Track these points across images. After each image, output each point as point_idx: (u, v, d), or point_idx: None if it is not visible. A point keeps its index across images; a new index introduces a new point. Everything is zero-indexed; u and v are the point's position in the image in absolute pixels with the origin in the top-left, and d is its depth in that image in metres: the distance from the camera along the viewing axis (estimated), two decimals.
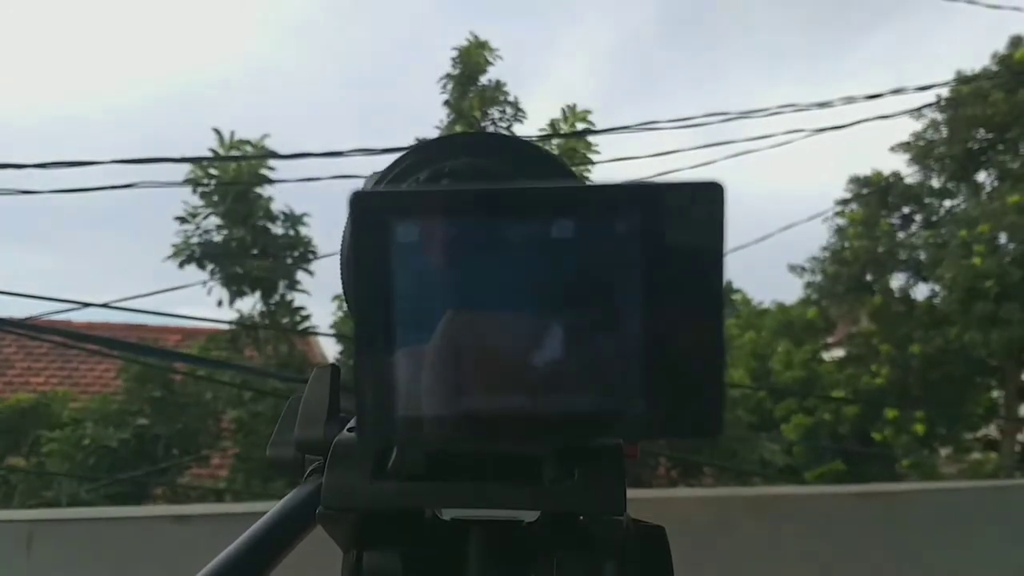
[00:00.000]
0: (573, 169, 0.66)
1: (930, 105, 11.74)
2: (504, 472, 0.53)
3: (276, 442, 0.66)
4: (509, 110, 8.36)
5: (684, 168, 7.10)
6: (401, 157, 0.61)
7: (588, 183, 0.50)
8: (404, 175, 0.60)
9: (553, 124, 7.86)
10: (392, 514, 0.56)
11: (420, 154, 0.61)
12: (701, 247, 0.43)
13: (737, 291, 16.32)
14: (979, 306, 11.37)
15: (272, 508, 0.64)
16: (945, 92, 12.02)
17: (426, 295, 0.44)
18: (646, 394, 0.44)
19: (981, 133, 12.82)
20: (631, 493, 0.53)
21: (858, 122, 7.62)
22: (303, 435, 0.63)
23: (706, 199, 0.43)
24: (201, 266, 7.67)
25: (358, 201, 0.44)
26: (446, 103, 8.37)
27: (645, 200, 0.44)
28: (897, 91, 7.43)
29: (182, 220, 7.65)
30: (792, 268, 14.20)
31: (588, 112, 7.72)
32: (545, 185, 0.45)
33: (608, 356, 0.44)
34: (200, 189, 7.59)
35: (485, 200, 0.44)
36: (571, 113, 7.72)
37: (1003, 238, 11.93)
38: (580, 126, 7.73)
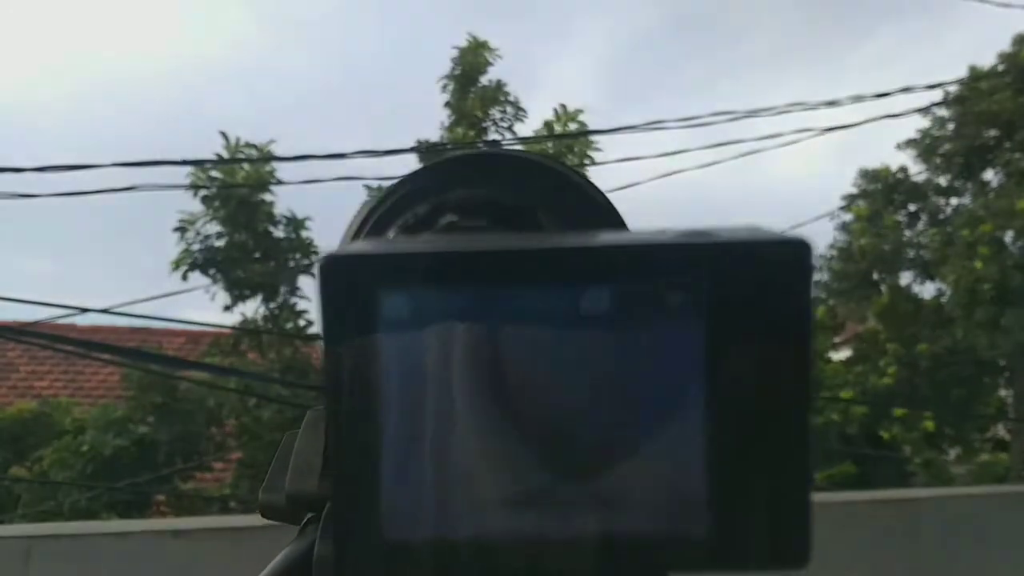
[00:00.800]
0: (604, 193, 0.55)
1: (938, 104, 11.64)
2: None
3: (268, 487, 0.58)
4: (510, 110, 8.28)
5: (690, 168, 7.04)
6: (398, 183, 0.53)
7: (631, 238, 0.38)
8: (399, 208, 0.51)
9: (547, 124, 7.79)
10: None
11: (419, 181, 0.52)
12: (782, 324, 0.34)
13: None
14: (980, 310, 11.27)
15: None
16: (946, 91, 11.93)
17: (425, 390, 0.34)
18: (712, 514, 0.35)
19: (989, 131, 12.72)
20: None
21: (867, 121, 7.57)
22: (294, 489, 0.55)
23: (789, 261, 0.34)
24: (204, 272, 7.61)
25: (331, 267, 0.34)
26: (447, 104, 8.29)
27: (710, 262, 0.34)
28: (906, 89, 7.38)
29: (181, 230, 7.59)
30: None
31: (580, 111, 7.63)
32: (577, 242, 0.36)
33: (663, 467, 0.35)
34: (201, 193, 7.53)
35: (498, 261, 0.34)
36: (563, 113, 7.64)
37: (1008, 238, 11.84)
38: (572, 126, 7.65)
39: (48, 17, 18.32)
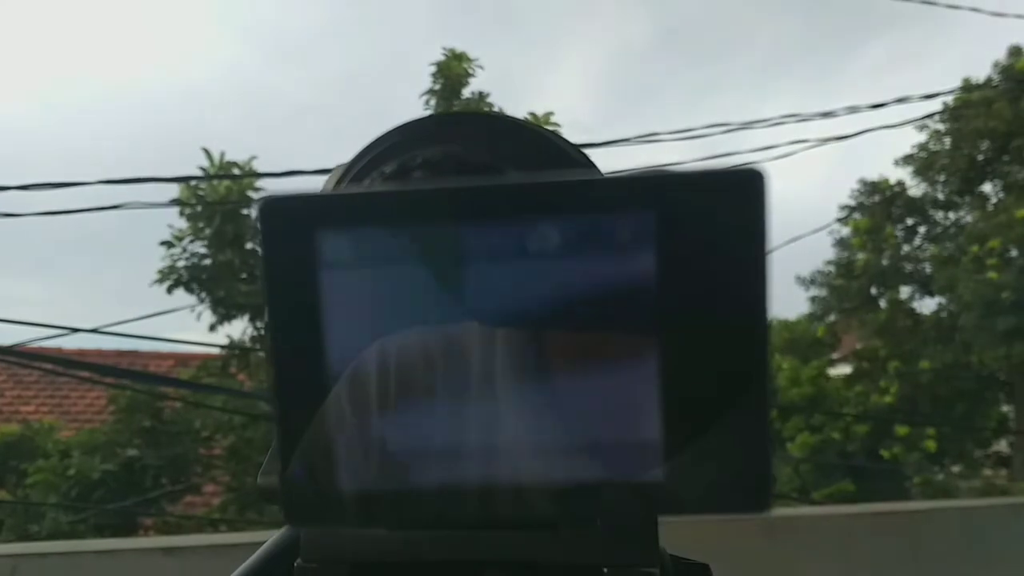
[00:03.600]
0: (584, 154, 0.55)
1: (934, 115, 11.62)
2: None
3: (267, 471, 0.55)
4: None
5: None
6: (370, 144, 0.53)
7: (577, 175, 0.36)
8: (370, 167, 0.52)
9: None
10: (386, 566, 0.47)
11: (389, 140, 0.52)
12: (736, 260, 0.33)
13: None
14: (1000, 320, 11.15)
15: (248, 560, 0.58)
16: (950, 101, 11.92)
17: (368, 333, 0.34)
18: (668, 460, 0.34)
19: (985, 144, 12.71)
20: None
21: (862, 132, 7.49)
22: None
23: (743, 193, 0.33)
24: (189, 290, 7.51)
25: (268, 209, 0.34)
26: None
27: (660, 197, 0.33)
28: (901, 100, 7.30)
29: (168, 245, 7.50)
30: (799, 280, 14.13)
31: (551, 113, 7.58)
32: (517, 179, 0.36)
33: (617, 409, 0.34)
34: (187, 211, 7.45)
35: (437, 201, 0.34)
36: (535, 120, 7.58)
37: (1013, 252, 11.80)
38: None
39: (37, 36, 18.36)
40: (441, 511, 0.35)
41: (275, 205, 0.34)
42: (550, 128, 0.58)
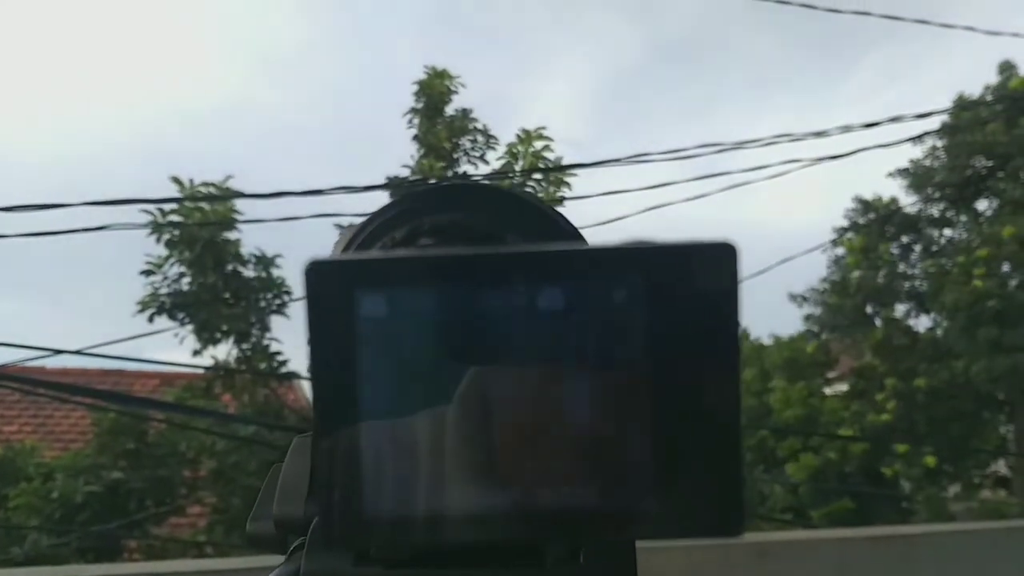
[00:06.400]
0: (572, 223, 0.60)
1: (930, 133, 11.58)
2: (502, 556, 0.48)
3: (256, 516, 0.60)
4: (480, 138, 8.11)
5: (677, 201, 6.89)
6: (378, 211, 0.57)
7: (579, 246, 0.44)
8: (379, 233, 0.56)
9: (510, 148, 7.64)
10: None
11: (397, 208, 0.56)
12: (713, 318, 0.39)
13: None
14: (983, 331, 11.09)
15: None
16: (944, 119, 11.90)
17: (398, 378, 0.39)
18: (655, 488, 0.39)
19: (980, 161, 12.68)
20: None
21: (856, 151, 7.43)
22: (281, 512, 0.57)
23: (717, 262, 0.39)
24: (172, 316, 7.38)
25: (315, 271, 0.39)
26: (415, 138, 8.14)
27: (646, 264, 0.39)
28: (895, 119, 7.26)
29: (147, 273, 7.38)
30: (792, 297, 14.08)
31: (543, 128, 7.47)
32: (529, 249, 0.41)
33: (611, 445, 0.39)
34: (165, 237, 7.32)
35: (460, 266, 0.40)
36: (526, 136, 7.48)
37: (1006, 267, 11.76)
38: (538, 144, 7.48)
39: (14, 55, 18.26)
40: (461, 531, 0.39)
41: (320, 268, 0.39)
42: (530, 192, 0.61)
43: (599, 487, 0.39)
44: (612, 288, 0.38)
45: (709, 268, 0.38)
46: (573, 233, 0.58)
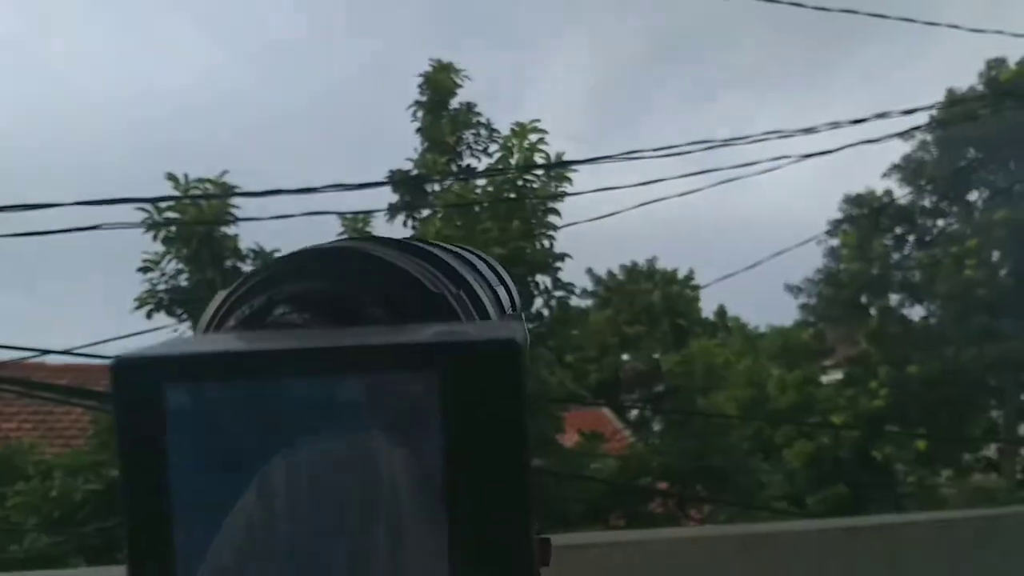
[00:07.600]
0: (451, 276, 0.60)
1: (920, 127, 11.65)
2: None
3: None
4: (484, 132, 8.13)
5: (670, 196, 6.95)
6: (249, 274, 0.57)
7: (381, 339, 0.44)
8: (245, 298, 0.55)
9: (506, 141, 7.66)
10: None
11: (265, 272, 0.56)
12: (500, 412, 0.39)
13: (733, 318, 16.24)
14: (974, 319, 11.19)
15: None
16: (931, 114, 11.96)
17: (207, 470, 0.39)
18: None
19: (971, 152, 12.74)
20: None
21: (845, 147, 7.49)
22: None
23: (501, 362, 0.39)
24: (171, 313, 7.44)
25: (122, 367, 0.39)
26: (418, 131, 8.15)
27: (439, 360, 0.39)
28: (882, 115, 7.31)
29: (145, 270, 7.43)
30: (788, 288, 14.15)
31: (537, 121, 7.50)
32: (328, 344, 0.42)
33: (406, 535, 0.39)
34: (161, 234, 7.37)
35: (265, 361, 0.41)
36: (520, 130, 7.50)
37: (995, 255, 11.84)
38: (534, 137, 7.50)
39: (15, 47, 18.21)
40: None
41: (127, 364, 0.39)
42: (420, 244, 0.62)
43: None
44: (408, 382, 0.39)
45: (496, 364, 0.39)
46: (438, 296, 0.57)
